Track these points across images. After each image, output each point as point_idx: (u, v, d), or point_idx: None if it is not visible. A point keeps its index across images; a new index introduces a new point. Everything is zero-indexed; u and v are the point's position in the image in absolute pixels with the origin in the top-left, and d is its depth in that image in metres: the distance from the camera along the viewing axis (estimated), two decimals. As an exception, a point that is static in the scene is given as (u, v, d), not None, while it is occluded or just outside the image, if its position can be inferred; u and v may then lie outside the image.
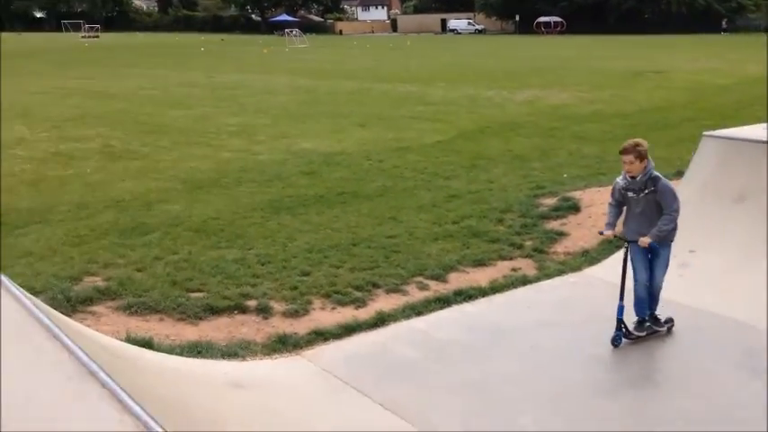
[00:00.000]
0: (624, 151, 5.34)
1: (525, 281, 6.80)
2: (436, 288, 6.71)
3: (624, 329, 5.45)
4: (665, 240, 5.38)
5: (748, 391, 4.80)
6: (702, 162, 7.57)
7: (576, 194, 9.26)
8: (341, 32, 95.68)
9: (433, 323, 5.96)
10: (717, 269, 5.63)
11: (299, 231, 8.25)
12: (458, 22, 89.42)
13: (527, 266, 7.25)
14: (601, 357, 5.35)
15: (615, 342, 5.42)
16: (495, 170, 11.62)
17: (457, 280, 6.92)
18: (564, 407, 4.66)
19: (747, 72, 28.05)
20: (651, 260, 5.44)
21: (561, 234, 8.09)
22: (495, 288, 6.65)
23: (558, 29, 77.30)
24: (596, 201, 8.85)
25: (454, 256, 7.49)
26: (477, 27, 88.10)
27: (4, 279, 4.37)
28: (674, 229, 5.36)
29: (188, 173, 11.16)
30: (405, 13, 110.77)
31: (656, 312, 5.56)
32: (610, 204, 5.71)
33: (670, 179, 9.26)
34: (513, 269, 7.17)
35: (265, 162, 12.06)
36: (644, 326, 5.52)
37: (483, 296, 6.50)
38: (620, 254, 7.22)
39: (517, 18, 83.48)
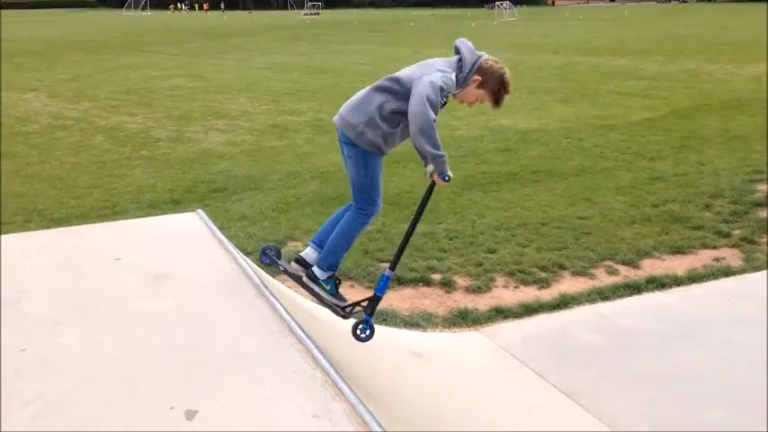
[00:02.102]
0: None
1: (728, 272, 6.31)
2: (626, 274, 6.46)
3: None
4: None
5: None
6: None
7: (801, 181, 8.32)
8: (553, 3, 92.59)
9: (619, 310, 5.76)
10: None
11: (488, 208, 8.31)
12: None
13: (732, 257, 6.70)
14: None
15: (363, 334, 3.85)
16: (709, 152, 10.76)
17: (650, 267, 6.59)
18: (755, 408, 4.32)
19: None
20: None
21: (784, 226, 7.35)
22: (692, 278, 6.26)
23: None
24: (826, 189, 7.90)
25: (650, 242, 7.13)
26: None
27: (226, 240, 4.98)
28: None
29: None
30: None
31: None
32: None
33: None
34: (716, 259, 6.67)
35: (462, 138, 12.20)
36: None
37: (678, 285, 6.14)
38: None
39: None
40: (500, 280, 6.35)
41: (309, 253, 3.92)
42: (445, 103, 3.65)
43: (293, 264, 3.87)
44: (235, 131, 12.98)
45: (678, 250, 6.94)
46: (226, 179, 9.62)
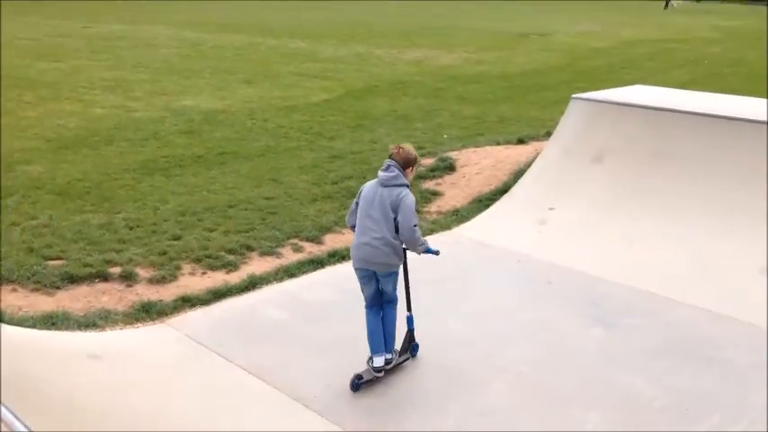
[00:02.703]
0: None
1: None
2: (311, 250, 6.72)
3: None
4: None
5: (587, 336, 5.15)
6: (569, 123, 7.90)
7: (453, 155, 9.46)
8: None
9: (304, 285, 5.98)
10: (572, 225, 5.94)
11: (172, 194, 8.00)
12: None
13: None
14: (458, 312, 5.55)
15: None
16: (380, 130, 11.68)
17: (332, 241, 6.95)
18: (428, 359, 4.84)
19: (622, 36, 29.38)
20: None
21: (436, 194, 8.27)
22: (368, 248, 6.73)
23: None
24: (471, 161, 9.09)
25: (332, 217, 7.51)
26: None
27: None
28: None
29: (54, 131, 10.53)
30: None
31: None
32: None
33: (539, 140, 9.77)
34: (388, 229, 7.28)
35: (141, 120, 11.56)
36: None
37: (356, 256, 6.56)
38: (487, 213, 7.54)
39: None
40: (187, 267, 6.16)
41: (381, 360, 4.63)
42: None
43: (377, 375, 4.65)
44: None
45: (355, 223, 7.41)
46: None
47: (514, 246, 6.63)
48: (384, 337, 4.68)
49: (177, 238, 6.72)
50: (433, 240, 6.91)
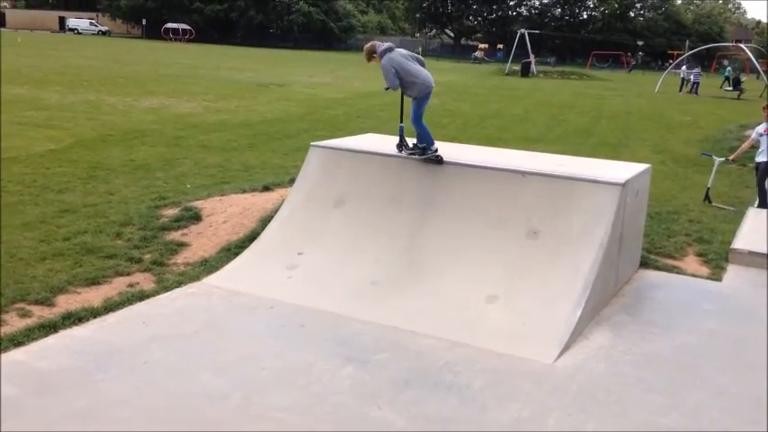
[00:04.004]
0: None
1: (143, 296, 6.55)
2: (41, 313, 6.08)
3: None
4: None
5: (340, 375, 5.31)
6: (309, 170, 8.16)
7: (199, 204, 9.25)
8: None
9: (34, 353, 5.38)
10: (320, 268, 6.11)
11: None
12: (79, 21, 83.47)
13: (145, 281, 7.00)
14: (212, 365, 5.37)
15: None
16: (117, 181, 11.03)
17: (66, 302, 6.36)
18: (178, 419, 4.60)
19: (354, 88, 31.39)
20: None
21: (182, 245, 8.00)
22: (109, 307, 6.27)
23: (187, 36, 76.89)
24: (217, 210, 8.96)
25: (64, 277, 6.89)
26: (101, 28, 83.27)
27: None
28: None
29: None
30: (15, 7, 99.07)
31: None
32: None
33: (284, 187, 9.98)
34: (131, 285, 6.87)
35: None
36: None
37: (95, 317, 6.07)
38: (237, 261, 7.49)
39: (144, 22, 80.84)
40: None
41: (434, 146, 7.64)
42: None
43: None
44: None
45: (93, 281, 6.88)
46: None
47: (266, 292, 6.64)
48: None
49: None
50: (182, 293, 6.77)
